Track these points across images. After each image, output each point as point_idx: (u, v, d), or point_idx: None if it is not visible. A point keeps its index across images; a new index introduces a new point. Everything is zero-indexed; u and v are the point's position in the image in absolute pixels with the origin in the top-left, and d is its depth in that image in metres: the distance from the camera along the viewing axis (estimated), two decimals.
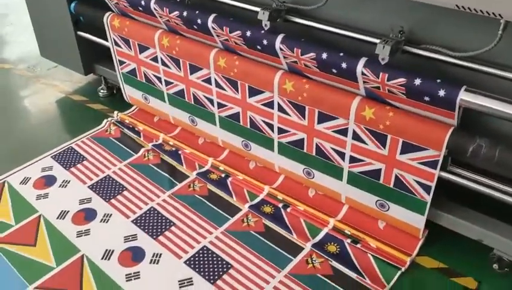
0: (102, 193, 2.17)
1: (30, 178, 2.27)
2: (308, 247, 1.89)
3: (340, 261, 1.82)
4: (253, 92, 1.99)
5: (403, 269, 1.77)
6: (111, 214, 2.06)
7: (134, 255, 1.87)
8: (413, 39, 1.61)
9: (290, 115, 1.92)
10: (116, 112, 2.71)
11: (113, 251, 1.89)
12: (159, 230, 1.98)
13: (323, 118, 1.82)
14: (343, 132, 1.79)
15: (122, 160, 2.38)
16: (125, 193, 2.18)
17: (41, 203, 2.13)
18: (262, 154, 2.16)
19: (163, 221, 2.02)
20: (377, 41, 1.58)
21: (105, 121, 2.66)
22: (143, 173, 2.28)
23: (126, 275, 1.80)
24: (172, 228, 1.99)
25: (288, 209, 2.05)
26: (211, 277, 1.77)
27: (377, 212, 1.90)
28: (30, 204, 2.12)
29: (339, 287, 1.74)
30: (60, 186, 2.22)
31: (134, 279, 1.78)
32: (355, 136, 1.77)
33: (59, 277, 1.80)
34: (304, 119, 1.88)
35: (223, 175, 2.25)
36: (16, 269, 1.83)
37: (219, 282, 1.76)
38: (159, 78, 2.37)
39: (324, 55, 1.68)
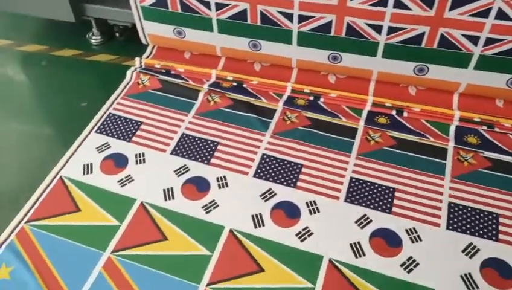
0: (195, 156, 1.80)
1: (91, 164, 1.79)
2: (451, 146, 1.78)
3: (491, 150, 1.75)
4: None
5: None
6: (225, 176, 1.73)
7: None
8: None
9: (410, 10, 1.67)
10: (137, 59, 2.20)
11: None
12: (293, 178, 1.71)
13: None
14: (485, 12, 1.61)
15: (186, 112, 1.97)
16: (220, 147, 1.83)
17: (130, 189, 1.71)
18: (356, 64, 1.91)
19: (292, 166, 1.75)
20: None
21: (129, 72, 2.15)
22: (223, 121, 1.92)
23: None
24: (304, 170, 1.73)
25: (405, 114, 1.89)
26: None
27: (501, 91, 1.82)
28: (118, 194, 1.69)
29: (505, 175, 1.69)
30: (137, 163, 1.80)
31: None
32: (499, 15, 1.60)
33: None
34: None
35: (311, 98, 1.99)
36: None
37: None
38: (206, 3, 1.92)
39: None
